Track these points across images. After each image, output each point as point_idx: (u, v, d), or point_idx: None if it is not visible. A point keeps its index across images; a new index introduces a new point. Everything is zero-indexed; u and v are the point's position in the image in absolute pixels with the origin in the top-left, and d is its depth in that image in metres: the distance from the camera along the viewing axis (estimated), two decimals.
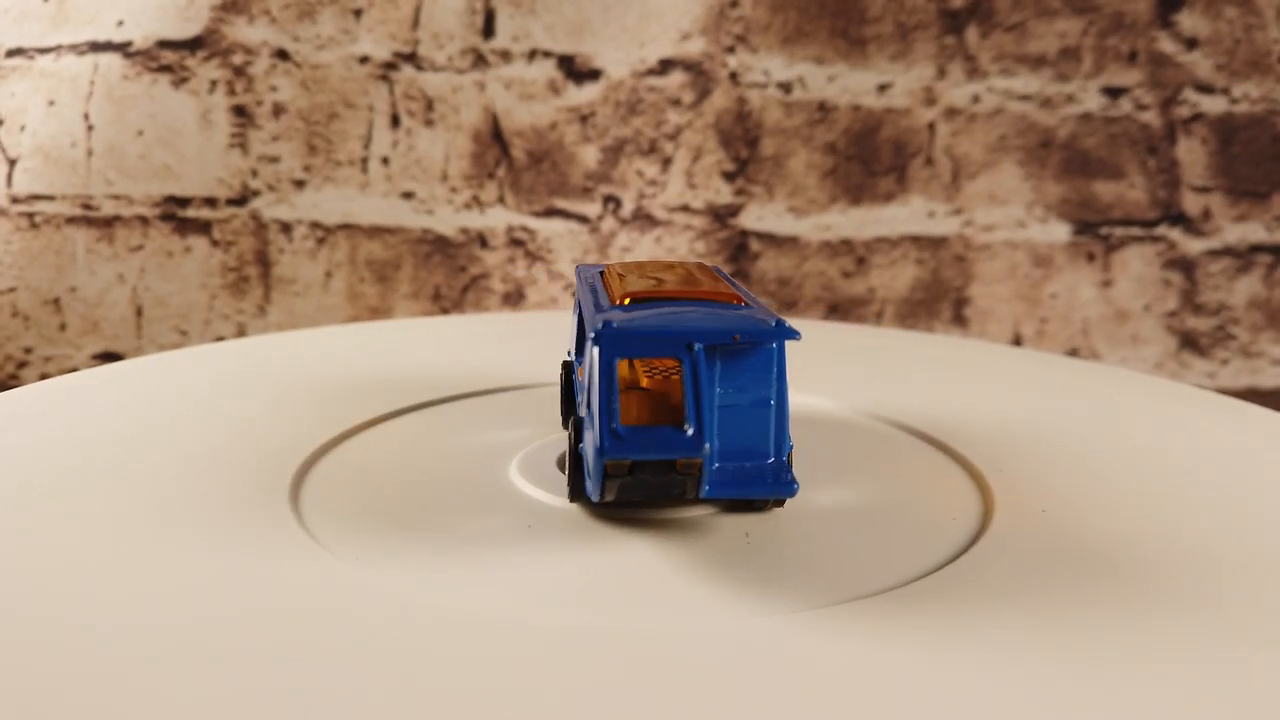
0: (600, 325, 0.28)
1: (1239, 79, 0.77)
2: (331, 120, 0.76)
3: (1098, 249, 0.79)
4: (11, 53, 0.75)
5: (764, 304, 0.39)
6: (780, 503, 0.32)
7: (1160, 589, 0.27)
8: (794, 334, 0.29)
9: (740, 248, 0.78)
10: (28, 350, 0.77)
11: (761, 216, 0.78)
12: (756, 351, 0.29)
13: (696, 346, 0.28)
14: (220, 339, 0.78)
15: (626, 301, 0.32)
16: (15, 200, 0.76)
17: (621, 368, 0.30)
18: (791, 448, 0.30)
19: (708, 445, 0.28)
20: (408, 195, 0.77)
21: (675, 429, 0.28)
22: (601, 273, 0.36)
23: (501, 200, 0.78)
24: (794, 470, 0.30)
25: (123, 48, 0.75)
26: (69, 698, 0.21)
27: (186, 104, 0.75)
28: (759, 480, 0.29)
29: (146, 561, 0.28)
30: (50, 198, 0.76)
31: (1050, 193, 0.78)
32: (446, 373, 0.48)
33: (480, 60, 0.76)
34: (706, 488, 0.29)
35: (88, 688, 0.21)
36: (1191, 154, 0.78)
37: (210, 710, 0.21)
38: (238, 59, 0.75)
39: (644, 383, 0.31)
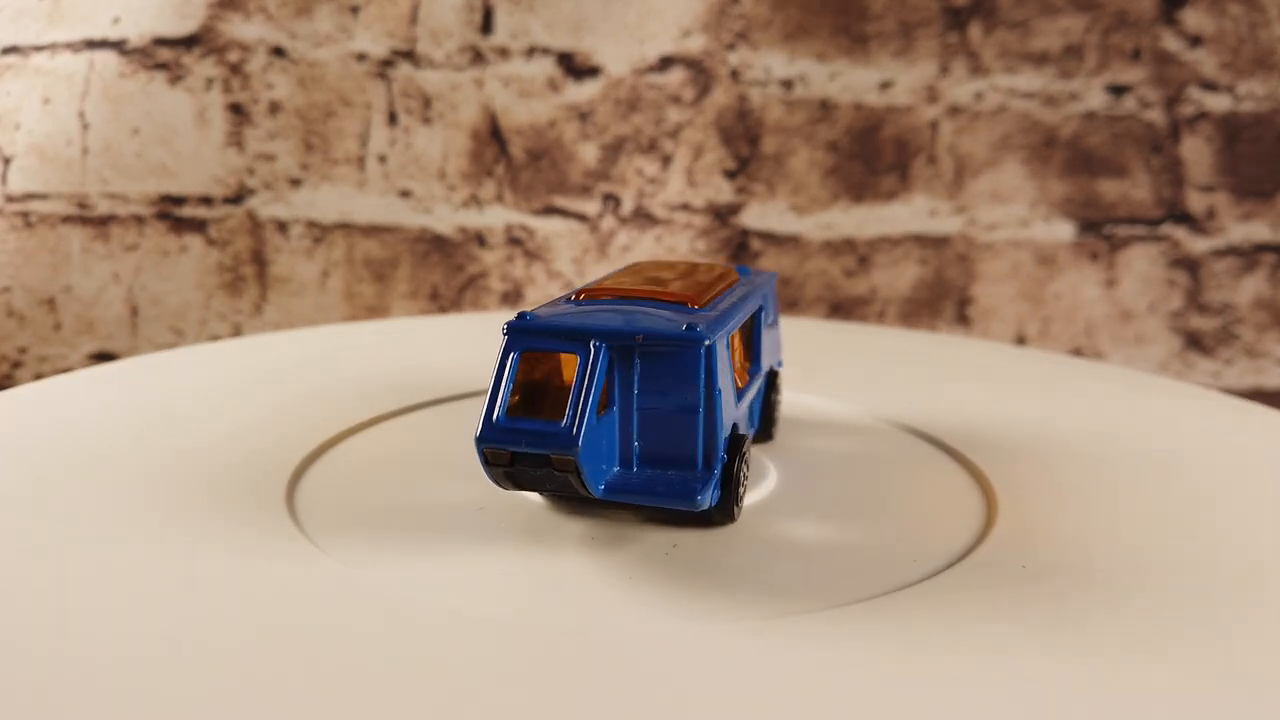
0: (514, 318, 0.29)
1: (1244, 77, 0.76)
2: (328, 118, 0.76)
3: (1102, 248, 0.78)
4: (6, 50, 0.75)
5: (773, 314, 0.38)
6: (725, 517, 0.31)
7: (1164, 591, 0.27)
8: (699, 338, 0.28)
9: (741, 246, 0.78)
10: (22, 350, 0.77)
11: (763, 215, 0.78)
12: (680, 356, 0.29)
13: (594, 344, 0.28)
14: (216, 339, 0.78)
15: (580, 298, 0.32)
16: (10, 199, 0.75)
17: (570, 362, 0.29)
18: (726, 460, 0.30)
19: (581, 443, 0.27)
20: (405, 194, 0.77)
21: (554, 424, 0.27)
22: (615, 273, 0.37)
23: (500, 199, 0.77)
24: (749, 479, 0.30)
25: (118, 45, 0.74)
26: (64, 698, 0.21)
27: (182, 102, 0.75)
28: (666, 489, 0.28)
29: (141, 562, 0.27)
30: (45, 196, 0.75)
31: (1054, 191, 0.78)
32: (444, 373, 0.47)
33: (478, 57, 0.76)
34: (600, 488, 0.28)
35: (83, 687, 0.21)
36: (1196, 152, 0.77)
37: (204, 710, 0.20)
38: (234, 56, 0.75)
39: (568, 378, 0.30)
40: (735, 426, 0.32)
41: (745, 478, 0.32)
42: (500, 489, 0.30)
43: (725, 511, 0.31)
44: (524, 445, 0.27)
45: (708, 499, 0.29)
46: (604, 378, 0.28)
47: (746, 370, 0.35)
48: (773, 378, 0.39)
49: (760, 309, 0.37)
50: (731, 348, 0.33)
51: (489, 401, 0.28)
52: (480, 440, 0.28)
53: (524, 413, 0.28)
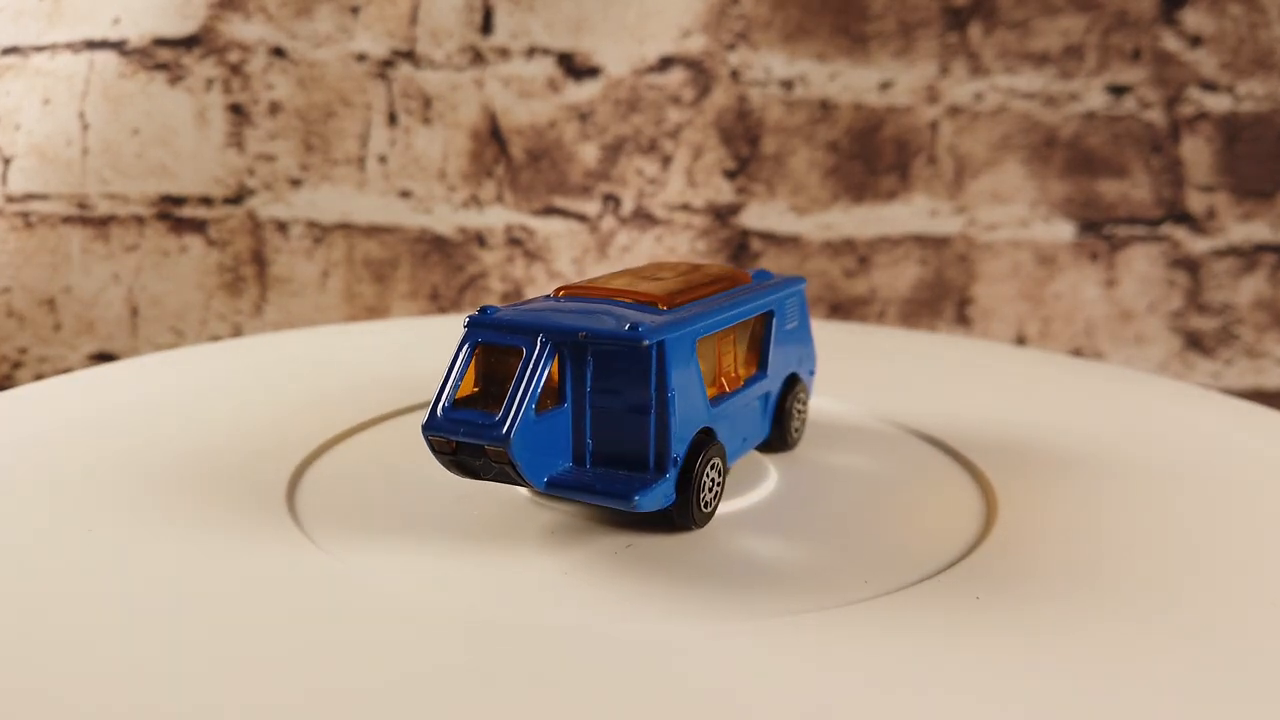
0: (475, 312, 0.30)
1: (1244, 77, 0.76)
2: (328, 118, 0.76)
3: (1102, 248, 0.78)
4: (7, 50, 0.75)
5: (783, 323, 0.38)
6: (685, 521, 0.30)
7: (1163, 591, 0.27)
8: (640, 338, 0.28)
9: (741, 247, 0.78)
10: (22, 351, 0.77)
11: (763, 215, 0.78)
12: (631, 356, 0.29)
13: (539, 340, 0.28)
14: (216, 339, 0.78)
15: (560, 294, 0.32)
16: (10, 199, 0.75)
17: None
18: (678, 461, 0.29)
19: (513, 436, 0.27)
20: (405, 194, 0.77)
21: (491, 416, 0.28)
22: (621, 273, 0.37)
23: (500, 199, 0.77)
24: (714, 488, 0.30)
25: (118, 46, 0.74)
26: (65, 695, 0.21)
27: (182, 102, 0.75)
28: (606, 487, 0.28)
29: (142, 561, 0.27)
30: (45, 197, 0.75)
31: (1054, 191, 0.78)
32: (444, 373, 0.47)
33: (479, 58, 0.76)
34: (543, 482, 0.29)
35: (84, 685, 0.21)
36: (1196, 153, 0.77)
37: (204, 707, 0.20)
38: (234, 57, 0.75)
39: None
40: (712, 431, 0.31)
41: (717, 483, 0.31)
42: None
43: (684, 515, 0.30)
44: (462, 435, 0.28)
45: (651, 502, 0.29)
46: (545, 374, 0.28)
47: (740, 375, 0.35)
48: (792, 385, 0.37)
49: (771, 314, 0.36)
50: (717, 351, 0.33)
51: (438, 391, 0.29)
52: (425, 428, 0.29)
53: (481, 405, 0.29)
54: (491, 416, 0.28)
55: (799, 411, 0.38)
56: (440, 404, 0.29)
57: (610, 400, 0.29)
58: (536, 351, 0.28)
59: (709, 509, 0.31)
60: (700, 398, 0.31)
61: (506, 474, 0.28)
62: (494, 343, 0.29)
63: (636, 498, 0.28)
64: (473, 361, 0.29)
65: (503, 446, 0.27)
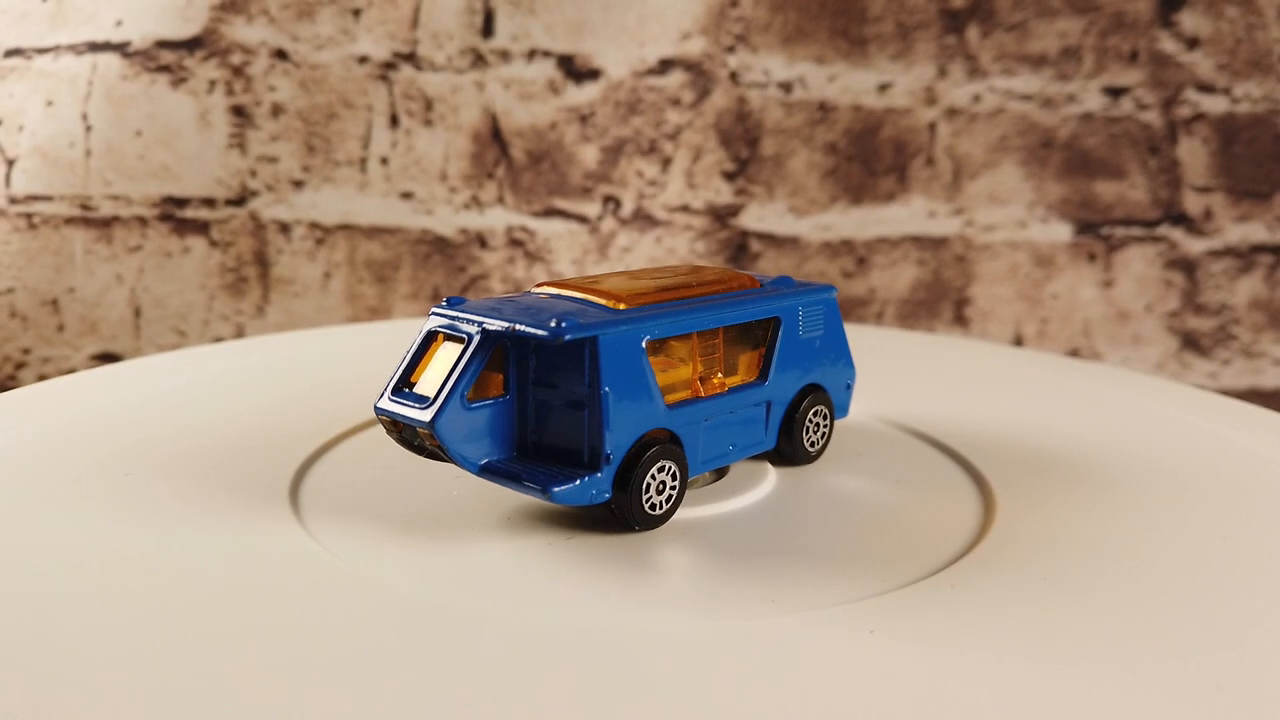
0: (442, 302, 0.32)
1: (1240, 79, 0.77)
2: (330, 120, 0.76)
3: (1099, 249, 0.78)
4: (10, 53, 0.75)
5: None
6: (626, 520, 0.31)
7: (1162, 591, 0.27)
8: (558, 333, 0.28)
9: (740, 248, 0.78)
10: (26, 351, 0.77)
11: (762, 217, 0.78)
12: (569, 352, 0.30)
13: (475, 333, 0.30)
14: (219, 340, 0.78)
15: (539, 288, 0.33)
16: (13, 201, 0.76)
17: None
18: (613, 459, 0.30)
19: (437, 420, 0.29)
20: (407, 195, 0.77)
21: (424, 400, 0.30)
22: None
23: (501, 200, 0.77)
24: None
25: (121, 48, 0.74)
26: (65, 693, 0.21)
27: (185, 104, 0.75)
28: (532, 477, 0.29)
29: (141, 562, 0.28)
30: (48, 198, 0.76)
31: (1051, 193, 0.78)
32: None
33: (479, 60, 0.76)
34: (476, 466, 0.30)
35: (84, 684, 0.21)
36: (1193, 154, 0.77)
37: (205, 706, 0.21)
38: (236, 59, 0.75)
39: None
40: (672, 434, 0.31)
41: (670, 486, 0.31)
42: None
43: (624, 514, 0.30)
44: (399, 416, 0.30)
45: (571, 495, 0.29)
46: (481, 364, 0.29)
47: (725, 381, 0.34)
48: (809, 396, 0.36)
49: (777, 321, 0.35)
50: (694, 355, 0.33)
51: (393, 374, 0.31)
52: (375, 408, 0.31)
53: (431, 389, 0.30)
54: (424, 401, 0.29)
55: (817, 425, 0.37)
56: (389, 387, 0.31)
57: (550, 395, 0.30)
58: (474, 343, 0.30)
59: (658, 511, 0.31)
60: (651, 399, 0.31)
61: (440, 455, 0.30)
62: (447, 332, 0.31)
63: (554, 489, 0.29)
64: (433, 347, 0.31)
65: (429, 429, 0.29)
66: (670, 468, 0.31)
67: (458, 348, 0.30)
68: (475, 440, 0.30)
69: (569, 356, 0.30)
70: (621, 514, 0.31)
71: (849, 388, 0.39)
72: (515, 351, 0.30)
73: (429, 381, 0.30)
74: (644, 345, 0.31)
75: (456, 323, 0.30)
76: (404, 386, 0.31)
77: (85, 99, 0.75)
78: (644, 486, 0.30)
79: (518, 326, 0.29)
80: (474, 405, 0.30)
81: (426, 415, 0.29)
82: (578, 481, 0.29)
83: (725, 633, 0.25)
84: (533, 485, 0.29)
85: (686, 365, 0.33)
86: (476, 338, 0.30)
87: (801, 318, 0.36)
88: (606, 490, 0.30)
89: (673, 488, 0.31)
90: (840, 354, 0.38)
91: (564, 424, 0.30)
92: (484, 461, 0.30)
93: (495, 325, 0.29)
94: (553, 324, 0.29)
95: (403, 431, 0.30)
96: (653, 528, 0.31)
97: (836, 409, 0.38)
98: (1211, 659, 0.24)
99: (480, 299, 0.32)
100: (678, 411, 0.32)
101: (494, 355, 0.30)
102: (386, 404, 0.30)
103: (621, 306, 0.31)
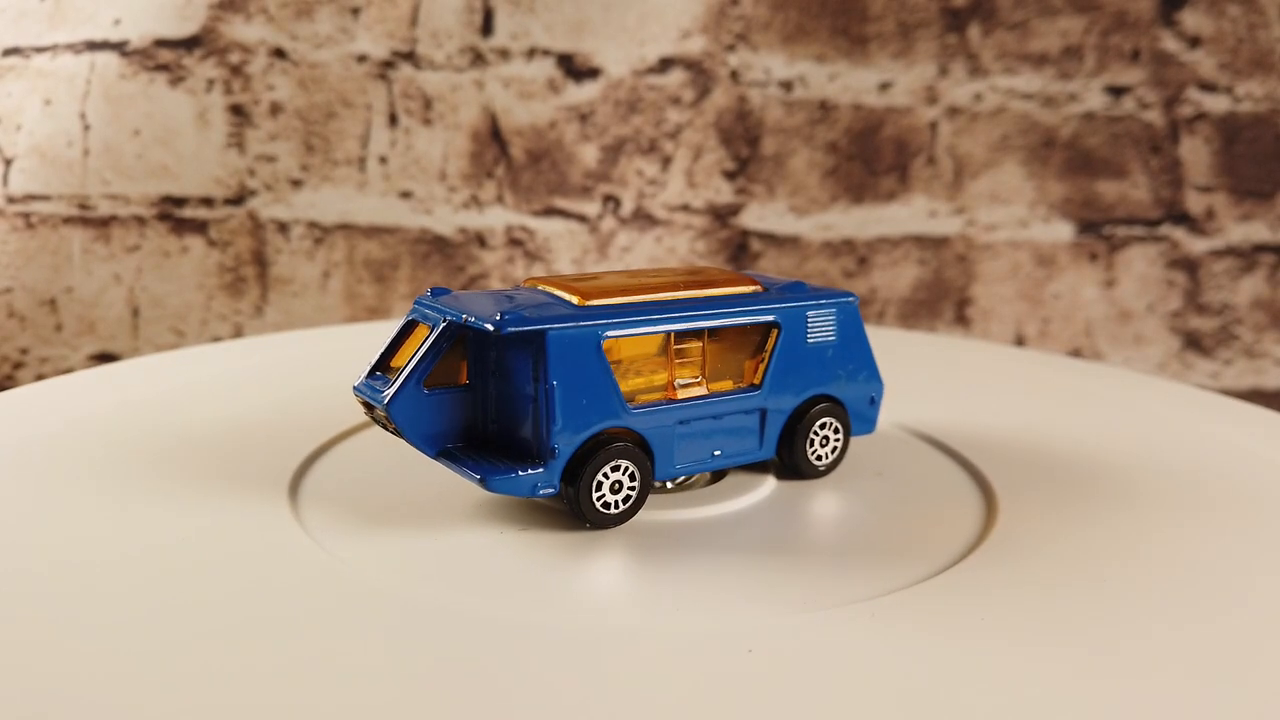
0: (426, 293, 0.33)
1: (1242, 78, 0.76)
2: (329, 119, 0.76)
3: (1101, 249, 0.78)
4: (8, 52, 0.75)
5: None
6: (577, 515, 0.31)
7: (1162, 591, 0.27)
8: (498, 326, 0.29)
9: (741, 247, 0.78)
10: (24, 351, 0.77)
11: (762, 216, 0.78)
12: (523, 346, 0.30)
13: (438, 324, 0.31)
14: (217, 339, 0.78)
15: (525, 284, 0.34)
16: (11, 200, 0.75)
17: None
18: (559, 453, 0.30)
19: (390, 403, 0.30)
20: (406, 195, 0.77)
21: (385, 382, 0.31)
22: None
23: (500, 200, 0.77)
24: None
25: (119, 47, 0.74)
26: (64, 691, 0.21)
27: (183, 103, 0.75)
28: (475, 465, 0.30)
29: (141, 562, 0.28)
30: (46, 198, 0.75)
31: (1053, 192, 0.78)
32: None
33: (479, 59, 0.76)
34: (432, 451, 0.31)
35: (83, 683, 0.21)
36: (1195, 153, 0.77)
37: (204, 706, 0.20)
38: (235, 58, 0.75)
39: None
40: (635, 433, 0.31)
41: (627, 486, 0.31)
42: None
43: (575, 509, 0.31)
44: (366, 396, 0.31)
45: (506, 486, 0.29)
46: (439, 353, 0.30)
47: (709, 386, 0.33)
48: (817, 407, 0.35)
49: (776, 327, 0.34)
50: (669, 356, 0.32)
51: (373, 358, 0.32)
52: (353, 388, 0.32)
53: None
54: (384, 384, 0.31)
55: (825, 439, 0.35)
56: (366, 369, 0.32)
57: (507, 387, 0.31)
58: (436, 333, 0.31)
59: (612, 510, 0.31)
60: (606, 397, 0.30)
61: (401, 436, 0.31)
62: (422, 321, 0.32)
63: (491, 479, 0.29)
64: (414, 335, 0.32)
65: (385, 411, 0.30)
66: (627, 467, 0.31)
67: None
68: (430, 425, 0.31)
69: (523, 350, 0.30)
70: (571, 508, 0.31)
71: (873, 402, 0.36)
72: (477, 343, 0.31)
73: (397, 368, 0.32)
74: (601, 343, 0.30)
75: (429, 313, 0.32)
76: (379, 370, 0.32)
77: (83, 98, 0.75)
78: (594, 484, 0.30)
79: (469, 319, 0.30)
80: (431, 391, 0.31)
81: (382, 398, 0.30)
82: (517, 474, 0.30)
83: (725, 632, 0.25)
84: (473, 474, 0.30)
85: (662, 366, 0.33)
86: (439, 329, 0.31)
87: (809, 325, 0.34)
88: (551, 484, 0.30)
89: (631, 488, 0.31)
90: (862, 365, 0.36)
91: (518, 416, 0.31)
92: (440, 447, 0.31)
93: (454, 317, 0.30)
94: (498, 317, 0.29)
95: (374, 412, 0.31)
96: (608, 526, 0.31)
97: (857, 423, 0.36)
98: (1213, 659, 0.24)
99: (465, 291, 0.33)
100: (644, 412, 0.31)
101: (456, 345, 0.31)
102: (360, 386, 0.32)
103: (582, 303, 0.31)
